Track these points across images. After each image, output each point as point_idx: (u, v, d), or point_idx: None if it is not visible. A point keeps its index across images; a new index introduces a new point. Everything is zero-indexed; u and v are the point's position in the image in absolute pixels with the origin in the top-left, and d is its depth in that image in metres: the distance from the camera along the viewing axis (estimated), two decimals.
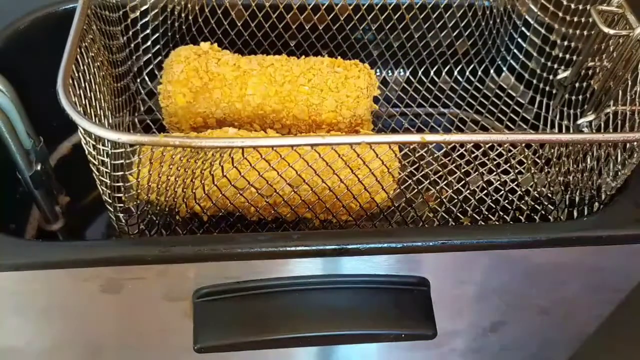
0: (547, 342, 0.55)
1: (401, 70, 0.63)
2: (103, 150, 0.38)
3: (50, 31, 0.50)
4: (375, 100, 0.51)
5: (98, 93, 0.43)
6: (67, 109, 0.34)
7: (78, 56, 0.39)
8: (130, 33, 0.53)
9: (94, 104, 0.41)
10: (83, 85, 0.39)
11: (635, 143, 0.40)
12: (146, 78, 0.57)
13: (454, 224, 0.48)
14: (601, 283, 0.47)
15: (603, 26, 0.44)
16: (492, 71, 0.63)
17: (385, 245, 0.39)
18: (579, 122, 0.49)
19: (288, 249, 0.38)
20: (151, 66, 0.56)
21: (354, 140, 0.36)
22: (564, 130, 0.53)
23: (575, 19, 0.54)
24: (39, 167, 0.46)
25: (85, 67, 0.40)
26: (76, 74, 0.38)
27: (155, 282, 0.40)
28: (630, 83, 0.43)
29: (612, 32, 0.44)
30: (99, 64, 0.44)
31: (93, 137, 0.37)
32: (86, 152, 0.38)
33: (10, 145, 0.43)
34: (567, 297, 0.48)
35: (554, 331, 0.53)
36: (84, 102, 0.39)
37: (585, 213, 0.46)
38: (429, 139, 0.36)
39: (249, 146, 0.35)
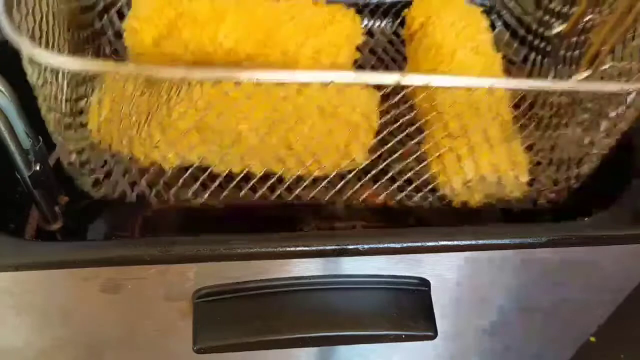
0: (547, 343, 0.55)
1: (389, 22, 0.57)
2: (54, 80, 0.34)
3: None
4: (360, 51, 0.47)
5: (52, 19, 0.38)
6: (8, 31, 0.30)
7: None
8: None
9: (45, 29, 0.36)
10: (32, 5, 0.35)
11: (632, 94, 0.37)
12: (115, 17, 0.51)
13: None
14: (601, 283, 0.47)
15: None
16: None
17: (385, 245, 0.39)
18: (574, 78, 0.47)
19: (288, 249, 0.38)
20: (120, 3, 0.51)
21: (324, 77, 0.32)
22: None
23: None
24: (38, 167, 0.46)
25: None
26: None
27: (155, 282, 0.40)
28: (630, 37, 0.41)
29: None
30: None
31: (42, 67, 0.33)
32: (31, 85, 0.35)
33: (9, 145, 0.43)
34: (567, 297, 0.48)
35: (554, 332, 0.53)
36: (31, 27, 0.35)
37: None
38: (406, 81, 0.32)
39: (209, 78, 0.31)
